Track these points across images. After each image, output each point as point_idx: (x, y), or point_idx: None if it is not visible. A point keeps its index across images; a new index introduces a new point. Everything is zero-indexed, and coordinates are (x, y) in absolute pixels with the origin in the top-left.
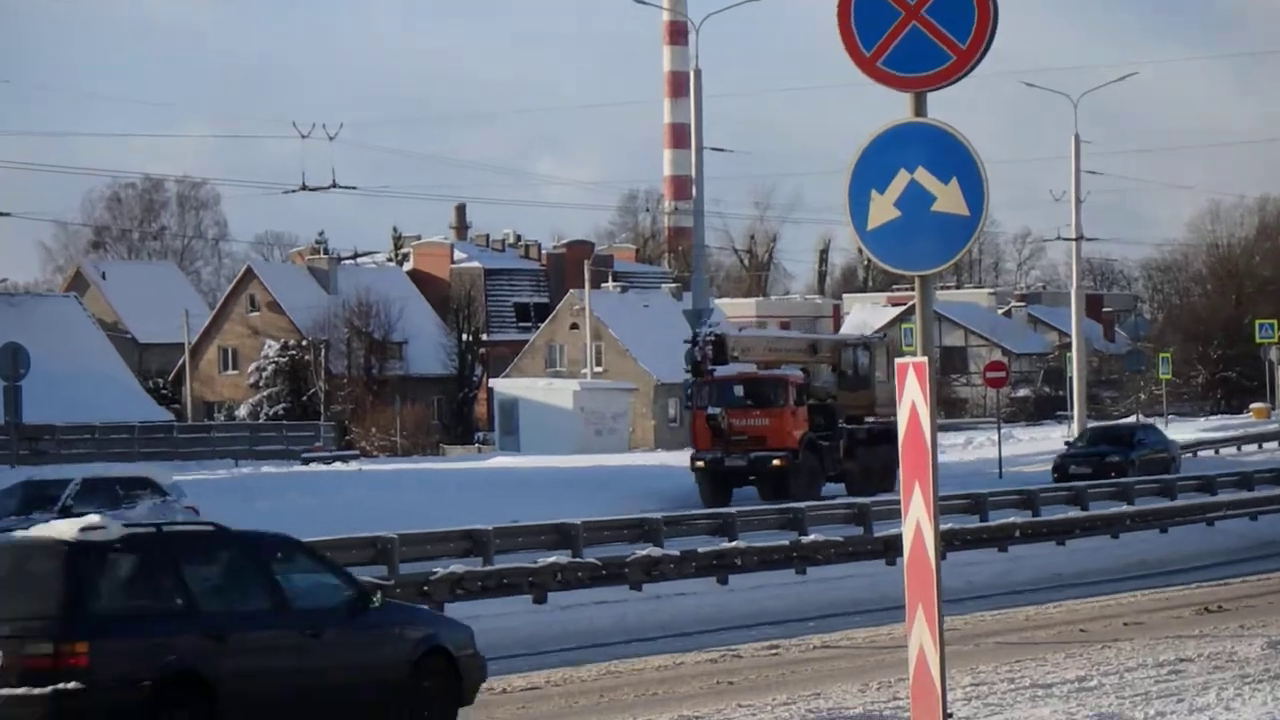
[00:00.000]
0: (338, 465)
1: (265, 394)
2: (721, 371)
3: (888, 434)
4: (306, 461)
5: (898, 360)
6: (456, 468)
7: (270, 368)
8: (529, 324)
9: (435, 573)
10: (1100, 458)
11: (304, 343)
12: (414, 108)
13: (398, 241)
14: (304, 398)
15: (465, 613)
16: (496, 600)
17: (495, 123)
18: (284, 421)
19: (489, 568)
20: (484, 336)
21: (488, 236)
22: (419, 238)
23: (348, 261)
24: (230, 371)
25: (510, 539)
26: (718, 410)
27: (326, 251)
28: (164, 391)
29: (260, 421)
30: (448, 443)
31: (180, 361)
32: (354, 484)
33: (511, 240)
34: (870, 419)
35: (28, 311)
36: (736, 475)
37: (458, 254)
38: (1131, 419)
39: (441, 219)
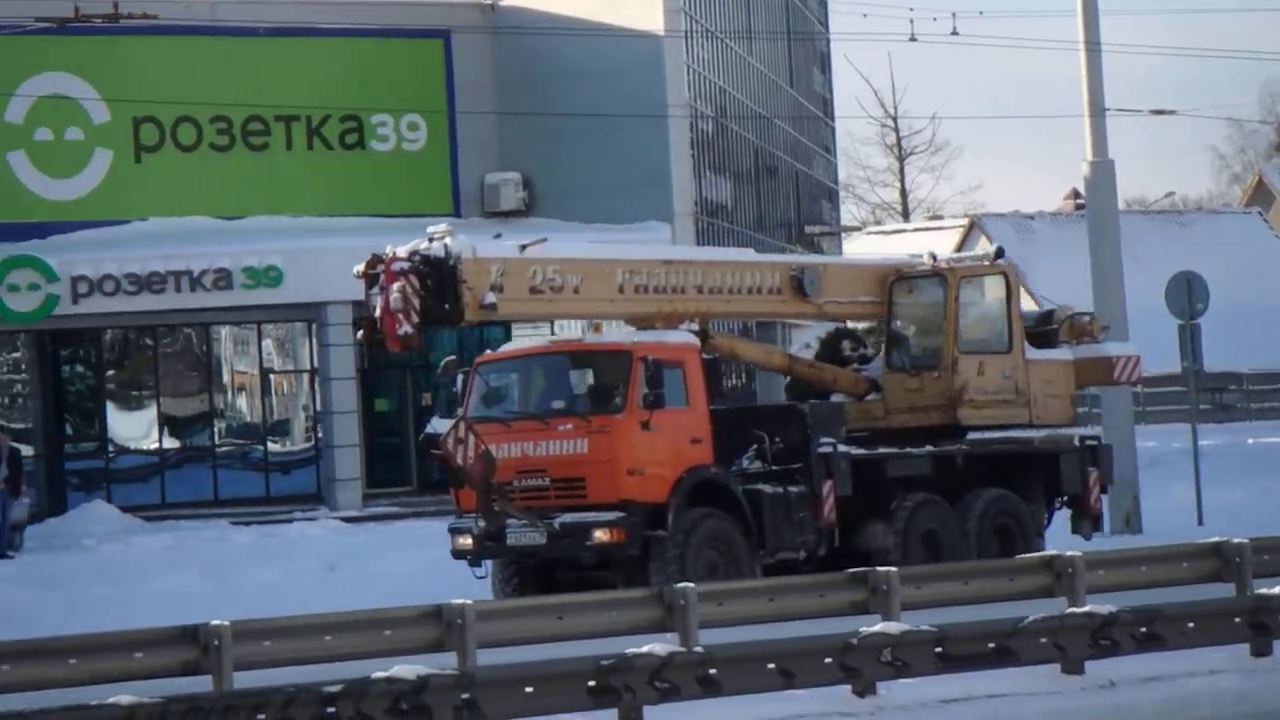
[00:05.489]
0: None
1: None
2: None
3: (1000, 462)
4: None
5: None
6: None
7: None
8: None
9: None
10: None
11: None
12: None
13: None
14: None
15: None
16: None
17: None
18: None
19: None
20: None
21: None
22: None
23: None
24: None
25: None
26: (440, 428)
27: None
28: None
29: None
30: None
31: None
32: None
33: None
34: (968, 428)
35: (1202, 232)
36: (544, 562)
37: None
38: None
39: None
